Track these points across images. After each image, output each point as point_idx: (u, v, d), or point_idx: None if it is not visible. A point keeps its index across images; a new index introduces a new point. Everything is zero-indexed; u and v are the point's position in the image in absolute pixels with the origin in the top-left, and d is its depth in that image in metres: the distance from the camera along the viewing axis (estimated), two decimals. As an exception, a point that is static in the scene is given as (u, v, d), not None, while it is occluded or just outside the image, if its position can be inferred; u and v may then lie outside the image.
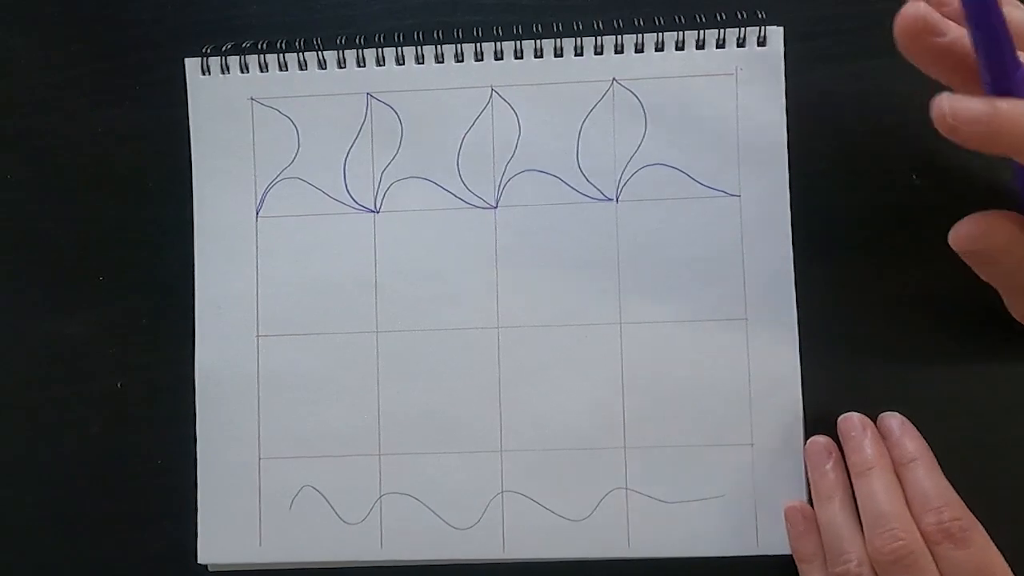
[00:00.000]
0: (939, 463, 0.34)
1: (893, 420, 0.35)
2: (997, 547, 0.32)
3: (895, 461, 0.34)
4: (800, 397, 0.36)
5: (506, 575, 0.37)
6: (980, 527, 0.32)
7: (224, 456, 0.37)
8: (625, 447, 0.36)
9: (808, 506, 0.35)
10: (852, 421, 0.35)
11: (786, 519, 0.35)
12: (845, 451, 0.35)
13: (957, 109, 0.24)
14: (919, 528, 0.32)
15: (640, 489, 0.36)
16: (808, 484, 0.35)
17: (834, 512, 0.33)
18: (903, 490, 0.33)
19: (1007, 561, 0.32)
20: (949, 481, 0.33)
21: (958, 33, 0.26)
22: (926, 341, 0.36)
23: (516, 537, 0.36)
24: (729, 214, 0.36)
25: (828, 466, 0.34)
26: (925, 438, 0.35)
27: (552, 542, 0.36)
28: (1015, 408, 0.36)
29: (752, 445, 0.36)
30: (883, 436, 0.35)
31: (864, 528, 0.33)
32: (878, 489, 0.33)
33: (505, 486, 0.37)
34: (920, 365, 0.36)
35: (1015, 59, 0.25)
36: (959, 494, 0.33)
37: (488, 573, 0.37)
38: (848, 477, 0.34)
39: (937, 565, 0.31)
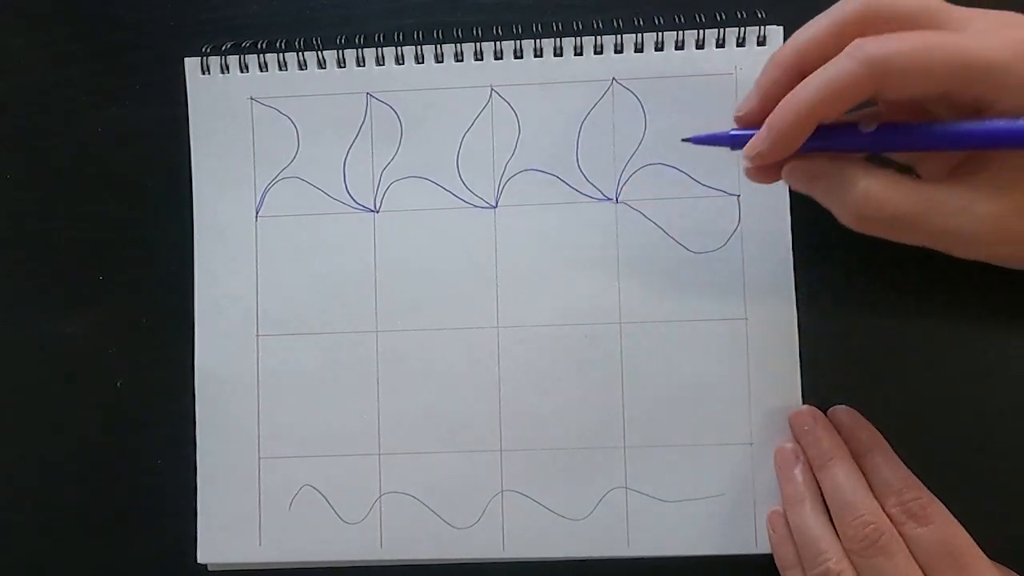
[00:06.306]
0: (939, 463, 0.34)
1: (843, 414, 0.35)
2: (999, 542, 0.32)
3: (853, 454, 0.34)
4: (800, 397, 0.36)
5: (506, 574, 0.37)
6: (939, 504, 0.33)
7: (224, 456, 0.37)
8: (624, 446, 0.36)
9: None
10: (803, 416, 0.35)
11: (768, 524, 0.35)
12: (803, 447, 0.35)
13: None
14: (885, 513, 0.32)
15: (639, 488, 0.36)
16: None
17: (805, 515, 0.34)
18: (865, 480, 0.34)
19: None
20: (947, 481, 0.33)
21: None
22: (926, 341, 0.36)
23: (516, 536, 0.36)
24: (729, 213, 0.36)
25: (796, 470, 0.35)
26: (926, 438, 0.35)
27: (552, 541, 0.36)
28: (1017, 408, 0.36)
29: (751, 444, 0.36)
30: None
31: (835, 521, 0.33)
32: (841, 479, 0.33)
33: (505, 485, 0.37)
34: (920, 365, 0.36)
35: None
36: (958, 493, 0.33)
37: (488, 572, 0.37)
38: (816, 480, 0.34)
39: (906, 546, 0.32)
